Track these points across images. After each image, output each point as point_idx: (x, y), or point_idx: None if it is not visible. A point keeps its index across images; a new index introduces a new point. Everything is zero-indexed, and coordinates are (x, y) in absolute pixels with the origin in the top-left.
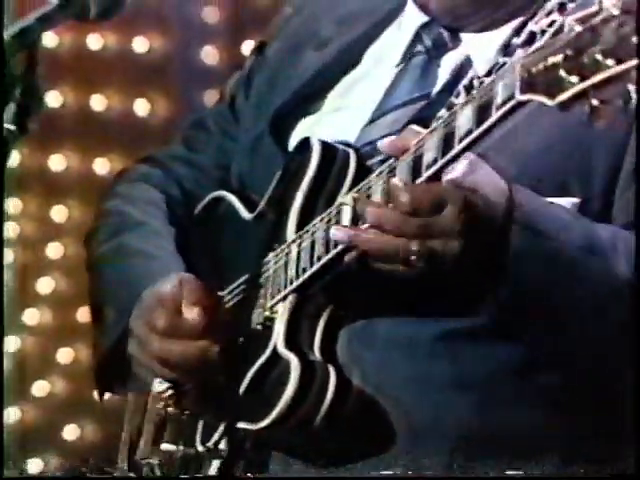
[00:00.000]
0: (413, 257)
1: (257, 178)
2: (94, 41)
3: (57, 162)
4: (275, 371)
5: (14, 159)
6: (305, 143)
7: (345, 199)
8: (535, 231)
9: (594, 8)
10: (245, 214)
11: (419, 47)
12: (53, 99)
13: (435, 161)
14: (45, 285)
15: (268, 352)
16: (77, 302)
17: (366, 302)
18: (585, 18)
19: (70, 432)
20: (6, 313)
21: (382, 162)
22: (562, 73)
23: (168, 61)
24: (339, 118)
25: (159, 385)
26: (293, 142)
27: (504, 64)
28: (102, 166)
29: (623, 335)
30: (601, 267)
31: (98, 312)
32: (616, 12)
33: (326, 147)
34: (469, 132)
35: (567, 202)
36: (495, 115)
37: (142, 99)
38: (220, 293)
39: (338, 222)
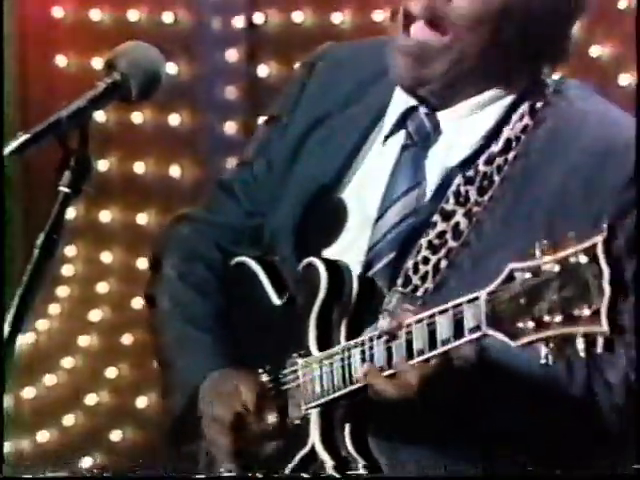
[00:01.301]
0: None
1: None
2: (136, 117)
3: (105, 215)
4: (313, 466)
5: (70, 213)
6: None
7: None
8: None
9: (569, 251)
10: (274, 298)
11: (407, 140)
12: (102, 165)
13: (422, 352)
14: (95, 315)
15: (307, 448)
16: (121, 329)
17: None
18: (533, 269)
19: (115, 435)
20: (63, 338)
21: (387, 266)
22: (520, 324)
23: (197, 133)
24: (354, 219)
25: (228, 467)
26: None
27: (486, 173)
28: (142, 219)
29: None
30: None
31: (165, 371)
32: (557, 269)
33: (330, 267)
34: (447, 341)
35: None
36: (466, 338)
37: (175, 165)
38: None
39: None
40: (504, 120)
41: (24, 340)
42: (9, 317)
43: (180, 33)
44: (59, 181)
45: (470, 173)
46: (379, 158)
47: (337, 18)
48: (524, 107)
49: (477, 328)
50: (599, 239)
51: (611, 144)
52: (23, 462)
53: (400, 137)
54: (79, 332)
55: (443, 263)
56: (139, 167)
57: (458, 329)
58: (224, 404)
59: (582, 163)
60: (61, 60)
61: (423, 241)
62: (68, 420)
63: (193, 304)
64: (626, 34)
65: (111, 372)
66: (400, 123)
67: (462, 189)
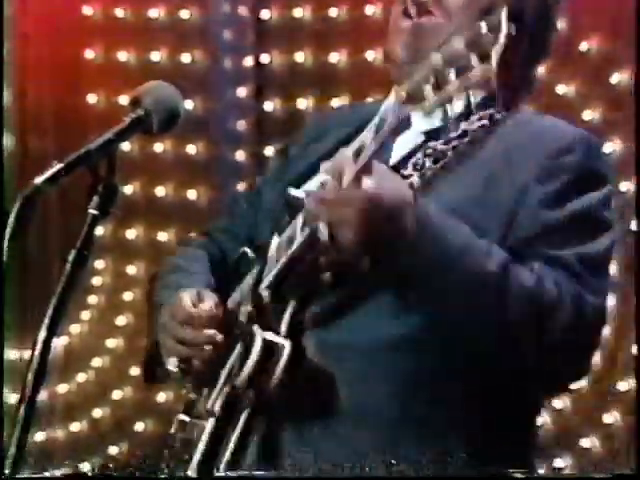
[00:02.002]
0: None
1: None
2: (157, 147)
3: (131, 233)
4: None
5: (99, 231)
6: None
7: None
8: (428, 225)
9: (449, 47)
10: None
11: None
12: (128, 189)
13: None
14: (121, 321)
15: (247, 336)
16: (144, 333)
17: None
18: (447, 49)
19: (138, 426)
20: (93, 341)
21: None
22: (427, 91)
23: (211, 160)
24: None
25: (173, 362)
26: None
27: (442, 150)
28: (163, 236)
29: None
30: (475, 264)
31: (150, 319)
32: (463, 44)
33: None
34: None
35: None
36: (386, 126)
37: (192, 189)
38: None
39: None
40: (465, 118)
41: (59, 342)
42: (46, 321)
43: (197, 72)
44: (89, 205)
45: (429, 151)
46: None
47: (334, 58)
48: (484, 113)
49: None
50: (503, 8)
51: (539, 132)
52: (57, 450)
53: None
54: (107, 335)
55: None
56: (160, 191)
57: (380, 125)
58: (183, 304)
59: (514, 145)
60: (92, 97)
61: None
62: (97, 413)
63: (187, 265)
64: (587, 73)
65: (135, 371)
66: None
67: (420, 161)
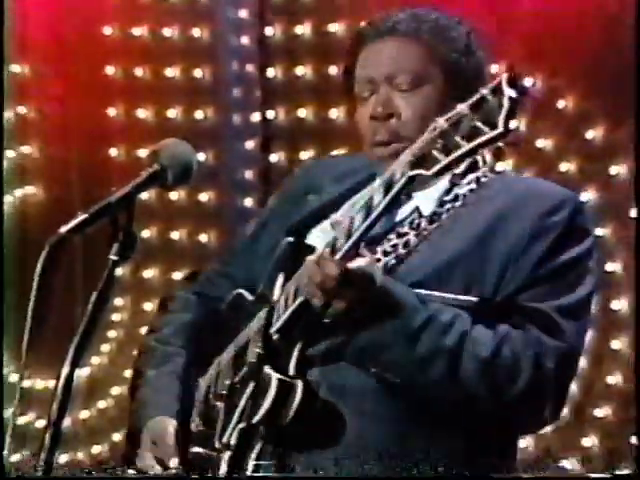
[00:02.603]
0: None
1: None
2: (172, 195)
3: (148, 273)
4: (264, 388)
5: (119, 272)
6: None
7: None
8: (390, 304)
9: (458, 109)
10: (249, 297)
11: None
12: (145, 233)
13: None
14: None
15: (258, 375)
16: None
17: (321, 346)
18: (451, 116)
19: None
20: (112, 371)
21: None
22: (435, 154)
23: (221, 207)
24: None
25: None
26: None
27: (437, 212)
28: (178, 276)
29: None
30: (431, 340)
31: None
32: (467, 111)
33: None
34: (380, 203)
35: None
36: (396, 187)
37: (204, 233)
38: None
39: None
40: (455, 183)
41: (82, 373)
42: (70, 354)
43: (208, 127)
44: (110, 251)
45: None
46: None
47: (334, 114)
48: (471, 177)
49: (402, 176)
50: (503, 75)
51: (529, 193)
52: (80, 469)
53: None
54: (125, 366)
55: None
56: (175, 235)
57: (388, 186)
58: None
59: (505, 206)
60: (113, 151)
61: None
62: (116, 437)
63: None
64: (564, 129)
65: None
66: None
67: (416, 221)
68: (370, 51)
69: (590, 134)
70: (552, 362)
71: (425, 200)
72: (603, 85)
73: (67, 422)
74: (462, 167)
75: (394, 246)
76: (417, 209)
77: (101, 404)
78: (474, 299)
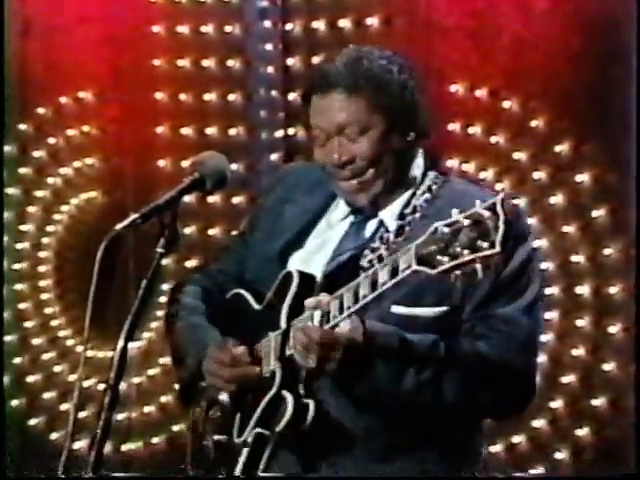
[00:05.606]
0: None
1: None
2: (210, 198)
3: (189, 263)
4: (278, 403)
5: (164, 263)
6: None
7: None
8: (373, 343)
9: (456, 218)
10: (255, 305)
11: (352, 217)
12: (187, 230)
13: (365, 296)
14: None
15: (273, 391)
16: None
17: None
18: (451, 224)
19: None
20: (160, 345)
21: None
22: (438, 257)
23: (250, 210)
24: (315, 256)
25: (223, 396)
26: (290, 264)
27: (401, 225)
28: (213, 266)
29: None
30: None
31: (177, 361)
32: (467, 222)
33: (301, 275)
34: (384, 283)
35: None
36: (399, 276)
37: (236, 231)
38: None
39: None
40: (414, 195)
41: (135, 345)
42: (125, 330)
43: (240, 142)
44: (157, 245)
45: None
46: (329, 232)
47: None
48: (424, 187)
49: (408, 267)
50: (499, 198)
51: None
52: (132, 428)
53: (348, 218)
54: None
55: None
56: (212, 232)
57: (394, 272)
58: (220, 353)
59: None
60: (161, 162)
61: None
62: (164, 399)
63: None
64: (537, 143)
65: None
66: (352, 212)
67: (385, 235)
68: (319, 103)
69: (558, 148)
70: (521, 355)
71: (389, 214)
72: (570, 108)
73: (123, 386)
74: (418, 178)
75: (370, 261)
76: (382, 223)
77: (151, 372)
78: (445, 309)
